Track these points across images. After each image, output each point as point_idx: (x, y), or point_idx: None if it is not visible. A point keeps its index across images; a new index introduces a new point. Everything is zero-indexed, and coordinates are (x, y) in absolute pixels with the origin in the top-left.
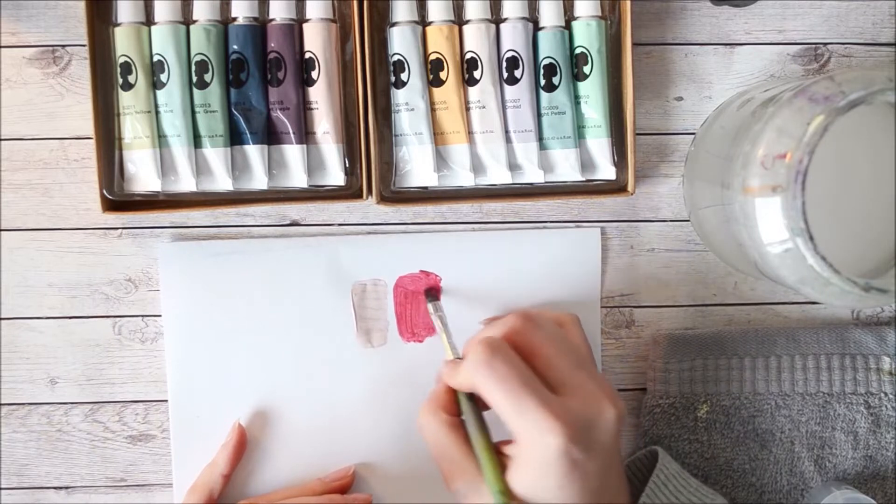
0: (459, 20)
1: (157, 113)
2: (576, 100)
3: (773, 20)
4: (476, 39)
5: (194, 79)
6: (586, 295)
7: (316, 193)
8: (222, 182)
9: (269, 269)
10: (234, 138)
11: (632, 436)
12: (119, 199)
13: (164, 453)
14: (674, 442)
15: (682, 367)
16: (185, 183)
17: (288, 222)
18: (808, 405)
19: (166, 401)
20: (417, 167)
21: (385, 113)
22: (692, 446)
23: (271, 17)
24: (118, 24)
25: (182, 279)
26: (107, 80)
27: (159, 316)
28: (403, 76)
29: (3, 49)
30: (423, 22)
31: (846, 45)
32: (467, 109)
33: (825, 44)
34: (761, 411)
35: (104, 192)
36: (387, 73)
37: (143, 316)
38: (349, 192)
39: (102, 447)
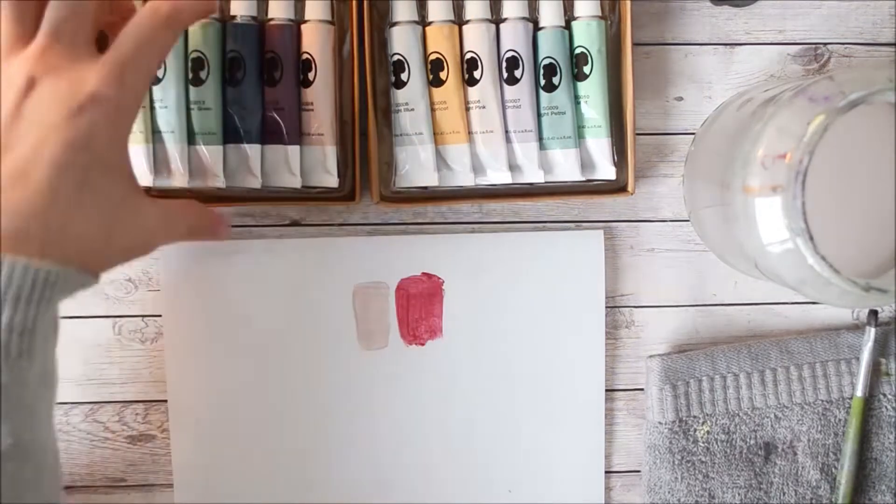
0: (459, 20)
1: (152, 108)
2: (576, 100)
3: (773, 20)
4: (476, 39)
5: (190, 75)
6: (590, 297)
7: (308, 195)
8: (215, 180)
9: (269, 269)
10: (228, 137)
11: (633, 436)
12: None
13: (164, 453)
14: (676, 464)
15: (676, 392)
16: (178, 179)
17: (288, 222)
18: (808, 414)
19: (166, 401)
20: (417, 167)
21: (385, 113)
22: (696, 467)
23: (270, 16)
24: None
25: (182, 279)
26: None
27: (159, 316)
28: (403, 76)
29: None
30: (423, 22)
31: (846, 45)
32: (467, 109)
33: (825, 44)
34: (761, 426)
35: None
36: (387, 74)
37: (143, 316)
38: (342, 194)
39: (102, 447)
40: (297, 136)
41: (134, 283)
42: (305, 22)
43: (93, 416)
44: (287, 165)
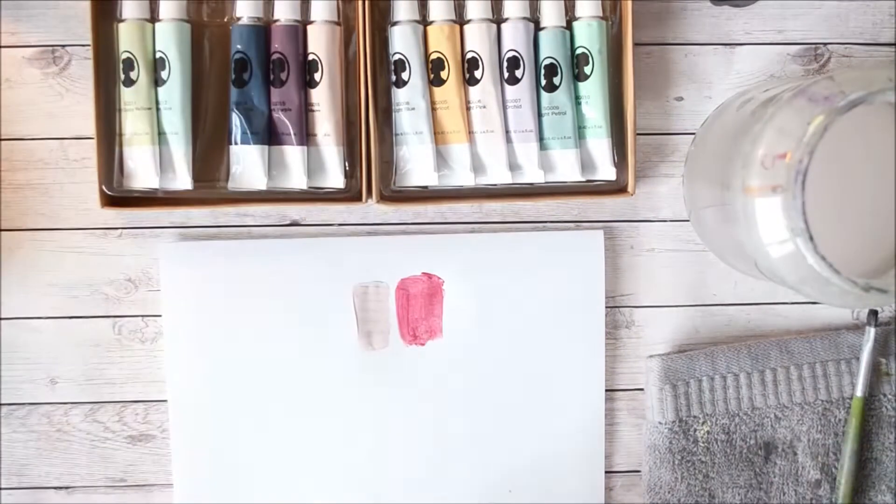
0: (461, 20)
1: (158, 110)
2: (576, 100)
3: (773, 20)
4: (477, 39)
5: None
6: (589, 297)
7: (315, 195)
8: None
9: (269, 269)
10: (235, 138)
11: (633, 436)
12: (118, 195)
13: (164, 453)
14: (677, 464)
15: (676, 392)
16: (182, 181)
17: (288, 222)
18: (808, 414)
19: (166, 401)
20: (418, 166)
21: (386, 112)
22: (696, 467)
23: (276, 17)
24: (122, 20)
25: (182, 279)
26: (109, 76)
27: (159, 316)
28: (404, 75)
29: (3, 49)
30: (424, 21)
31: (846, 45)
32: (468, 109)
33: (825, 44)
34: (761, 425)
35: (103, 187)
36: (388, 73)
37: (143, 316)
38: (348, 194)
39: (102, 447)
40: (304, 136)
41: (134, 283)
42: (311, 23)
43: (93, 416)
44: (294, 166)
